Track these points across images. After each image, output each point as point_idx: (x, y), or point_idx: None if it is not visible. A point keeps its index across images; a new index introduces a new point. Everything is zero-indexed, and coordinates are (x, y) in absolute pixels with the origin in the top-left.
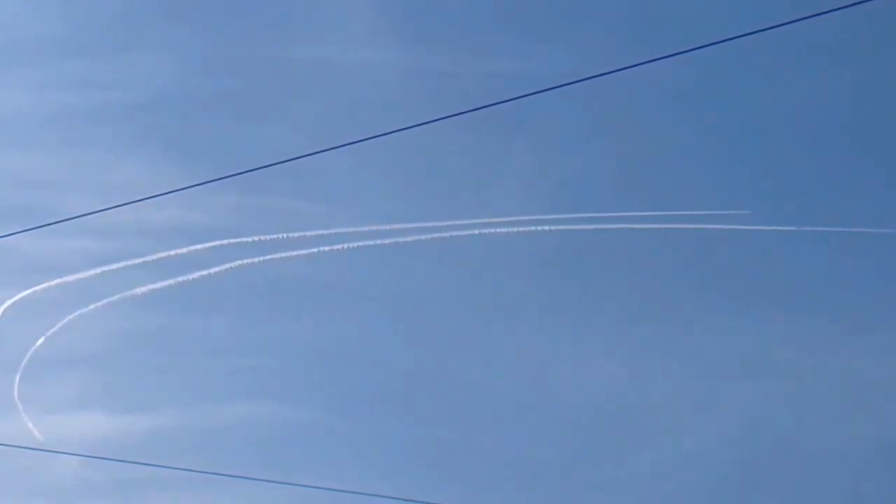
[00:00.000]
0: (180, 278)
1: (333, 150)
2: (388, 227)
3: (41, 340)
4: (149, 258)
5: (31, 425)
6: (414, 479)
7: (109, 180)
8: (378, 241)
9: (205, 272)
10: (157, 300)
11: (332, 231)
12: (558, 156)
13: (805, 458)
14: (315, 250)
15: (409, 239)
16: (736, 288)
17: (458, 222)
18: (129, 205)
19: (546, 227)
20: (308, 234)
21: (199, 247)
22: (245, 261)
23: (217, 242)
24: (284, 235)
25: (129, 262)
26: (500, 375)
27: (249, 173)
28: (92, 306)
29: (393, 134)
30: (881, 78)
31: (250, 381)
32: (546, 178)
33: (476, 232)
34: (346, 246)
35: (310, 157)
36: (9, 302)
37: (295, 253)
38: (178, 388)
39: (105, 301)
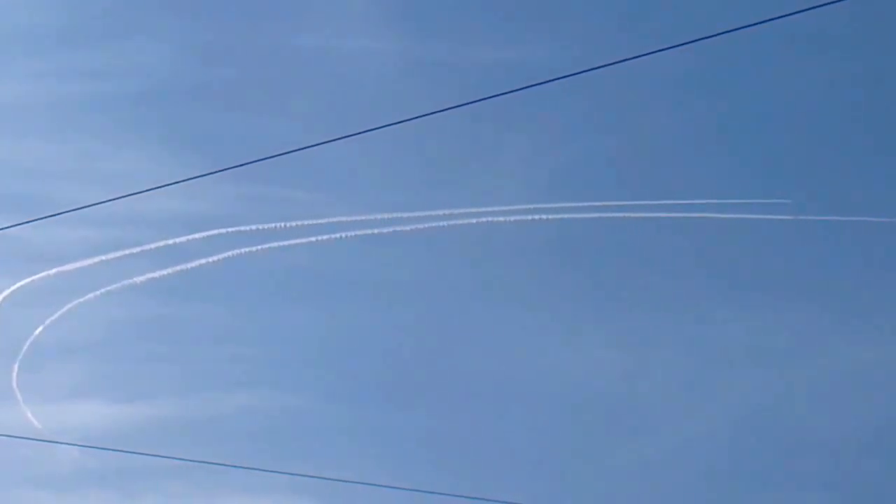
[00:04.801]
0: (179, 267)
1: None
2: (386, 216)
3: (40, 329)
4: (148, 247)
5: (29, 414)
6: (412, 467)
7: (108, 169)
8: (376, 230)
9: (203, 261)
10: (156, 289)
11: (331, 220)
12: (556, 145)
13: (803, 445)
14: (314, 239)
15: (408, 228)
16: (733, 277)
17: (457, 211)
18: (128, 196)
19: (544, 216)
20: (306, 223)
21: (197, 236)
22: (243, 250)
23: (216, 231)
24: (283, 224)
25: (128, 251)
26: (497, 364)
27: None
28: (91, 295)
29: (391, 123)
30: (883, 69)
31: (249, 370)
32: (544, 167)
33: (474, 221)
34: (344, 235)
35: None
36: (8, 291)
37: (293, 242)
38: (177, 377)
39: (104, 290)
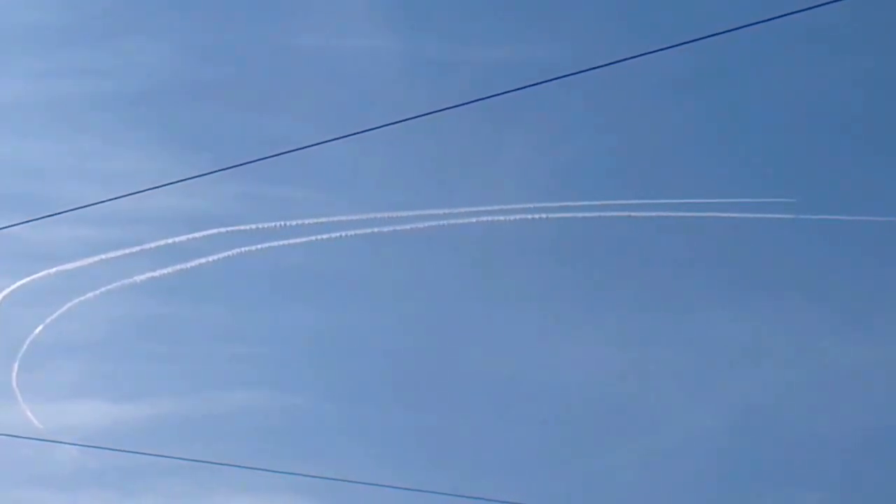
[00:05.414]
0: (179, 266)
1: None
2: (386, 215)
3: (40, 328)
4: (147, 246)
5: (29, 413)
6: (412, 467)
7: (108, 169)
8: (376, 230)
9: (203, 260)
10: (155, 288)
11: (331, 219)
12: (556, 145)
13: (803, 444)
14: (313, 238)
15: (408, 227)
16: (733, 276)
17: (457, 210)
18: (128, 196)
19: (545, 215)
20: (306, 222)
21: (197, 235)
22: (243, 249)
23: (215, 230)
24: (283, 224)
25: (128, 250)
26: (497, 363)
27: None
28: (91, 294)
29: (391, 123)
30: (883, 69)
31: (249, 369)
32: (544, 166)
33: (475, 220)
34: (344, 234)
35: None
36: (8, 290)
37: (293, 241)
38: (176, 376)
39: (104, 289)
